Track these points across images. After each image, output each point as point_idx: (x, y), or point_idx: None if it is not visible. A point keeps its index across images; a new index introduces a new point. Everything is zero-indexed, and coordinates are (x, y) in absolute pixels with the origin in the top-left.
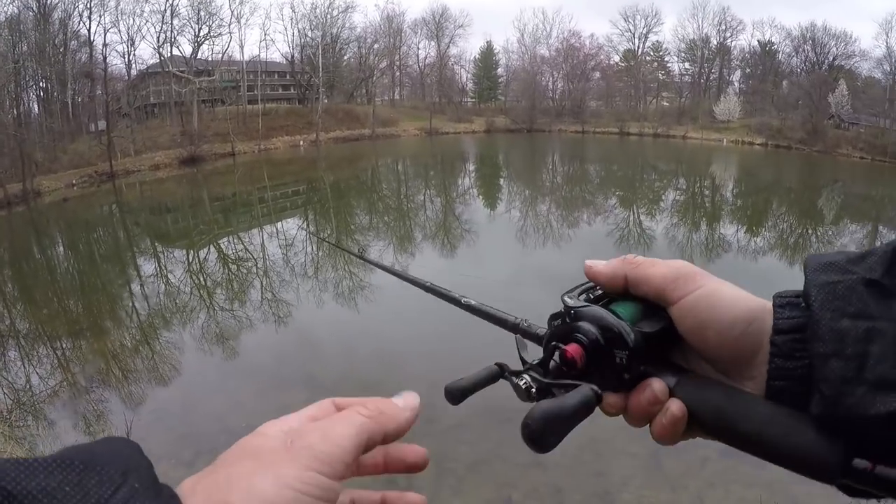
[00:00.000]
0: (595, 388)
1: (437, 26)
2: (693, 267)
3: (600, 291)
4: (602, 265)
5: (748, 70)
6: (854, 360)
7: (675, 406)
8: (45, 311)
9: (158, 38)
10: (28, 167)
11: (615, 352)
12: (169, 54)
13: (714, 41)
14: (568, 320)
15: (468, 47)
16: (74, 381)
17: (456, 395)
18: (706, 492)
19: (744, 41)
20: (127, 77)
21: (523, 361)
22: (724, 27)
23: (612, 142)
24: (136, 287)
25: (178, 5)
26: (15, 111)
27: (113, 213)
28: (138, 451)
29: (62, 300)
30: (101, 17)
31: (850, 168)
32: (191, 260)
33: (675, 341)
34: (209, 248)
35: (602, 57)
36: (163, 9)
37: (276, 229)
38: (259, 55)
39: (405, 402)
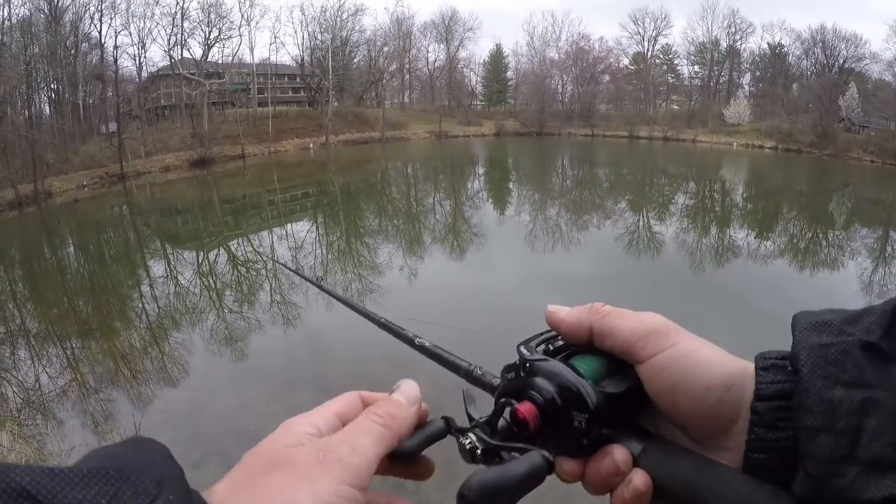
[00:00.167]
0: (546, 454)
1: (447, 29)
2: (667, 322)
3: (562, 342)
4: (565, 312)
5: (758, 73)
6: (846, 436)
7: (639, 479)
8: (56, 310)
9: (169, 40)
10: (39, 168)
11: (573, 413)
12: (179, 57)
13: (724, 44)
14: (522, 374)
15: (478, 50)
16: (83, 380)
17: (404, 455)
18: None
19: (753, 44)
20: (138, 79)
21: (470, 417)
22: (733, 30)
23: (622, 145)
24: (145, 288)
25: (188, 8)
26: (26, 112)
27: (123, 214)
28: (169, 455)
29: (72, 300)
30: (111, 19)
31: (861, 172)
32: (200, 261)
33: (642, 403)
34: (219, 250)
35: (611, 60)
36: (173, 11)
37: (286, 231)
38: (269, 58)
39: (407, 398)
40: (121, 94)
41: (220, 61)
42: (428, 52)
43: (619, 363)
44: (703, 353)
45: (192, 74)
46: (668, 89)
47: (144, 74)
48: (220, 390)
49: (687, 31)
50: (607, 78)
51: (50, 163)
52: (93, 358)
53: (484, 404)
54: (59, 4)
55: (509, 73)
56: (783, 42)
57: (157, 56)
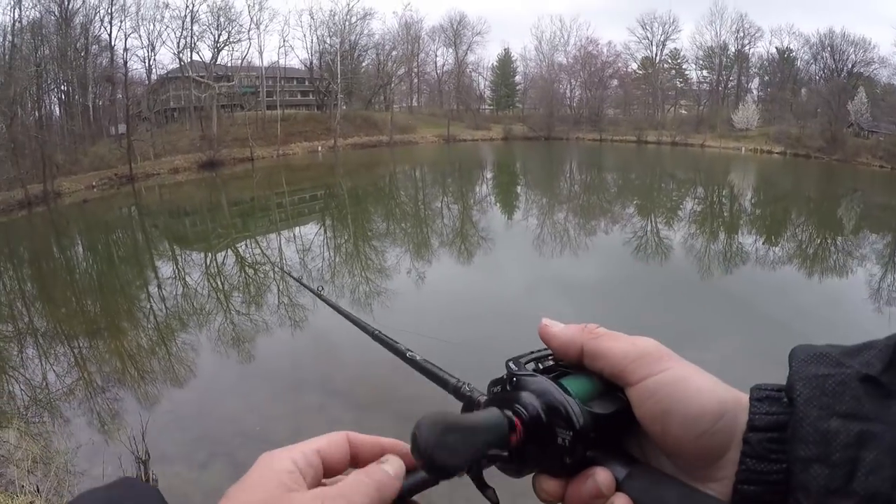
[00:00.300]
0: (508, 413)
1: (455, 33)
2: (660, 347)
3: (552, 362)
4: (558, 328)
5: (766, 78)
6: (842, 468)
7: (621, 503)
8: (64, 310)
9: (178, 43)
10: (49, 169)
11: (558, 431)
12: (189, 59)
13: (732, 48)
14: (509, 388)
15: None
16: (90, 379)
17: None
18: None
19: (762, 48)
20: (147, 81)
21: None
22: (742, 34)
23: (630, 150)
24: (153, 289)
25: (198, 11)
26: (37, 114)
27: (132, 215)
28: (160, 498)
29: (80, 300)
30: (121, 22)
31: (870, 177)
32: (208, 263)
33: (631, 427)
34: (227, 252)
35: (620, 64)
36: (183, 15)
37: (294, 234)
38: (278, 61)
39: (394, 471)
40: (130, 96)
41: (229, 64)
42: (436, 56)
43: (609, 385)
44: (696, 381)
45: (202, 77)
46: (676, 94)
47: (154, 77)
48: (226, 391)
49: (695, 36)
50: (615, 82)
51: (59, 163)
52: (100, 357)
53: None
54: (70, 7)
55: (517, 78)
56: (792, 46)
57: (166, 59)
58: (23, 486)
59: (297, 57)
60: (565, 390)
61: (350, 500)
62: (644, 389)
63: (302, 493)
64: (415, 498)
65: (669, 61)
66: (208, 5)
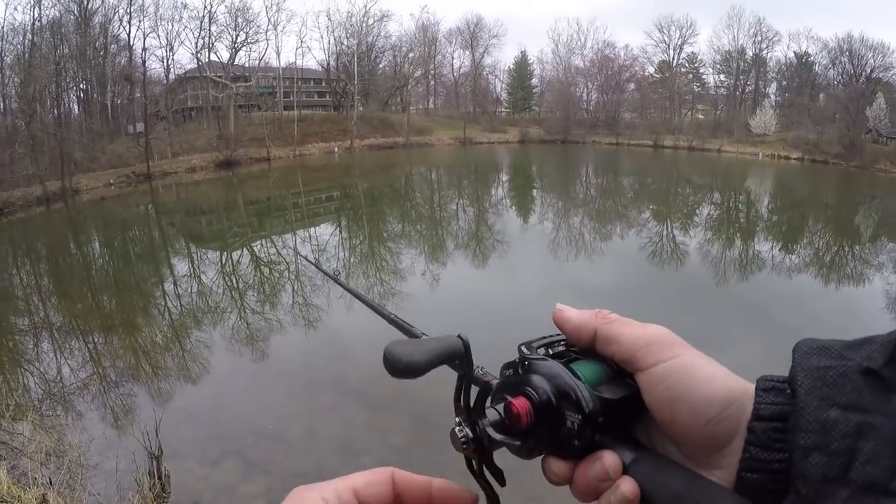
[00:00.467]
0: (463, 337)
1: (472, 36)
2: (672, 334)
3: (563, 348)
4: (573, 313)
5: (784, 82)
6: (840, 457)
7: (627, 486)
8: (80, 305)
9: (196, 43)
10: (67, 166)
11: (567, 414)
12: (207, 59)
13: (750, 52)
14: (520, 371)
15: (502, 57)
16: (104, 374)
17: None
18: None
19: (780, 53)
20: (165, 81)
21: (467, 406)
22: (759, 38)
23: (647, 154)
24: (168, 286)
25: (216, 12)
26: (56, 111)
27: (149, 213)
28: None
29: (96, 296)
30: (140, 21)
31: (889, 184)
32: (224, 261)
33: (639, 413)
34: (242, 251)
35: (637, 68)
36: (201, 15)
37: (309, 234)
38: (295, 62)
39: None
40: (148, 96)
41: (246, 65)
42: (453, 58)
43: (619, 371)
44: (706, 369)
45: (219, 77)
46: (693, 98)
47: (172, 76)
48: (239, 389)
49: (713, 40)
50: (632, 86)
51: (78, 161)
52: (114, 353)
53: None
54: (89, 6)
55: (534, 81)
56: (810, 51)
57: (184, 58)
58: (35, 479)
59: (314, 58)
60: (575, 374)
61: None
62: (654, 375)
63: None
64: None
65: (687, 65)
66: (226, 6)
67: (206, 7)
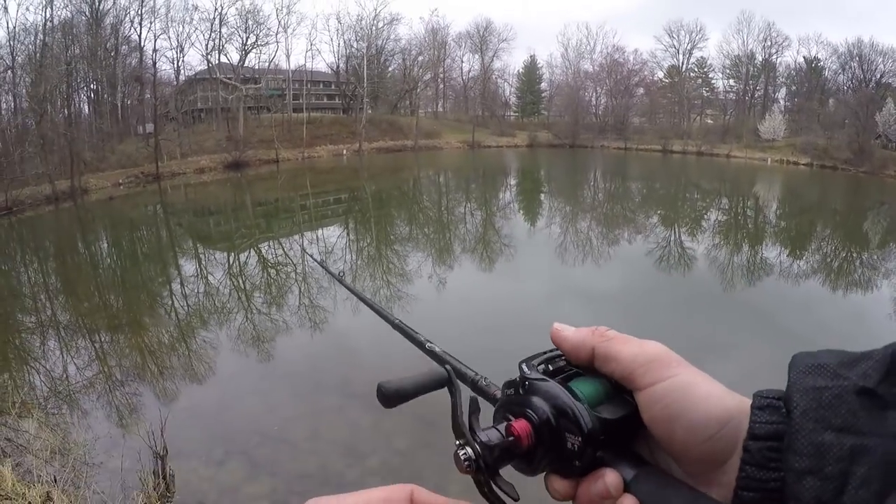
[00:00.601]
0: (449, 370)
1: (482, 40)
2: (670, 352)
3: (563, 363)
4: (570, 331)
5: (793, 87)
6: (833, 481)
7: None
8: (86, 304)
9: (207, 45)
10: (77, 165)
11: (567, 436)
12: (217, 61)
13: (759, 57)
14: (521, 391)
15: (512, 61)
16: (110, 373)
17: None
18: None
19: (789, 57)
20: (175, 82)
21: (471, 428)
22: (769, 43)
23: (655, 159)
24: (175, 286)
25: (226, 14)
26: (66, 111)
27: (157, 213)
28: None
29: (103, 294)
30: (151, 23)
31: None
32: (231, 262)
33: (639, 430)
34: (249, 252)
35: (646, 73)
36: (211, 17)
37: (317, 236)
38: (305, 65)
39: None
40: (158, 96)
41: (256, 67)
42: (462, 62)
43: (618, 388)
44: (703, 387)
45: (229, 79)
46: (702, 103)
47: (182, 78)
48: (245, 390)
49: (722, 45)
50: (641, 91)
51: (87, 160)
52: (120, 352)
53: (487, 413)
54: (101, 7)
55: (543, 85)
56: (819, 56)
57: (194, 60)
58: (40, 476)
59: (323, 61)
60: (575, 395)
61: None
62: (652, 394)
63: None
64: None
65: (696, 70)
66: (237, 8)
67: (216, 9)
